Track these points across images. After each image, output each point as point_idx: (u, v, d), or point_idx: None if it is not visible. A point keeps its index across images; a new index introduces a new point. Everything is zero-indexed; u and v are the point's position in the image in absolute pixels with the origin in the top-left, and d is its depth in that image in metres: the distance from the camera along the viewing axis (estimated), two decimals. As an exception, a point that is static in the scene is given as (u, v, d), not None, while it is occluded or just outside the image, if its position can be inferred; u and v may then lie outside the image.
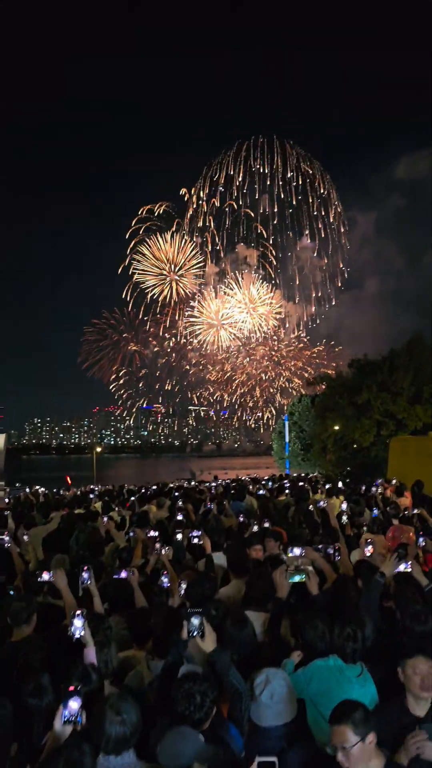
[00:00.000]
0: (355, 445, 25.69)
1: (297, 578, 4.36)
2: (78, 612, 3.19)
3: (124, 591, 4.63)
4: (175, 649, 3.19)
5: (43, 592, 4.94)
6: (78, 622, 3.15)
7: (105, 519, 8.05)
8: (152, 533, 7.24)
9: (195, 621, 3.08)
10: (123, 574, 4.87)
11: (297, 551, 5.16)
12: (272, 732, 2.91)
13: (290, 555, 5.18)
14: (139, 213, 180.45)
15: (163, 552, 6.09)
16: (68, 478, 26.00)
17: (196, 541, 6.80)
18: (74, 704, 2.46)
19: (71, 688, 2.51)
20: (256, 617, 4.23)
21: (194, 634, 3.06)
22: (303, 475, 33.68)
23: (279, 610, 4.24)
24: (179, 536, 6.93)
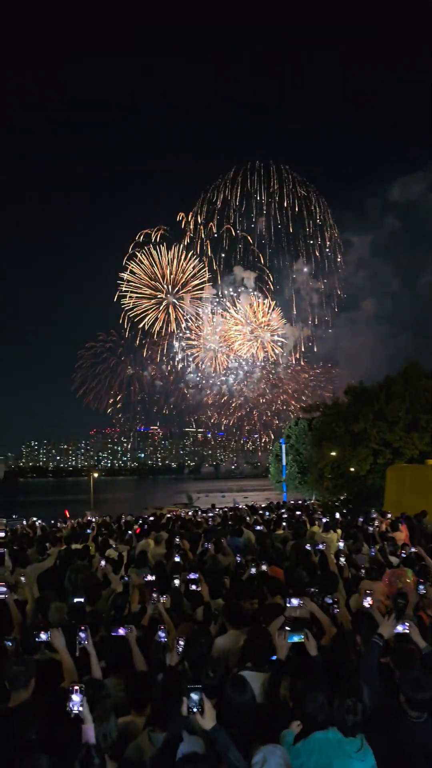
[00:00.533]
0: (352, 472, 25.65)
1: (296, 638, 4.35)
2: (76, 687, 3.17)
3: (121, 650, 4.60)
4: (174, 724, 3.17)
5: (41, 649, 4.91)
6: (76, 698, 3.14)
7: (103, 563, 7.98)
8: (149, 578, 7.23)
9: (195, 697, 3.07)
10: (121, 632, 4.85)
11: (295, 602, 5.16)
12: None
13: (288, 606, 5.19)
14: (137, 237, 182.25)
15: (161, 601, 6.08)
16: (66, 512, 25.86)
17: (194, 587, 6.77)
18: None
19: None
20: (255, 678, 4.21)
21: (194, 710, 3.06)
22: (300, 502, 33.59)
23: (279, 672, 4.22)
24: (176, 582, 6.91)
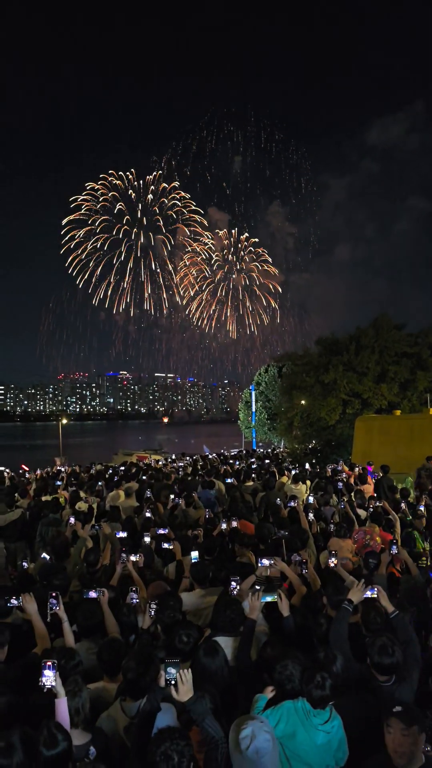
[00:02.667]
0: (320, 422, 25.98)
1: (269, 598, 4.41)
2: (49, 663, 3.13)
3: (94, 615, 4.58)
4: (152, 695, 3.17)
5: (12, 613, 4.87)
6: (49, 673, 3.10)
7: (72, 520, 7.94)
8: (121, 534, 7.24)
9: (172, 671, 3.06)
10: (92, 595, 4.84)
11: (266, 562, 5.23)
12: None
13: (260, 566, 5.25)
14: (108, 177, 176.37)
15: (132, 559, 6.08)
16: (23, 465, 25.54)
17: (165, 545, 6.80)
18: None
19: None
20: (227, 642, 4.26)
21: (171, 683, 3.05)
22: (270, 451, 34.08)
23: (249, 633, 4.27)
24: (147, 539, 6.92)
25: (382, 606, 4.42)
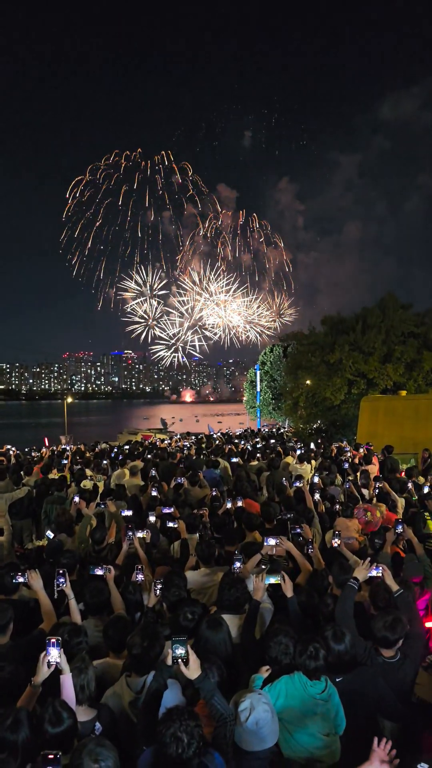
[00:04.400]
0: (326, 402, 25.91)
1: (272, 579, 4.43)
2: (53, 640, 3.14)
3: (101, 593, 4.60)
4: (159, 673, 3.18)
5: (18, 590, 4.90)
6: (54, 651, 3.11)
7: (77, 499, 7.97)
8: (126, 512, 7.26)
9: (180, 650, 3.06)
10: (98, 572, 4.86)
11: (272, 541, 5.24)
12: (256, 755, 2.97)
13: (265, 545, 5.27)
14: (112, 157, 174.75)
15: (139, 535, 6.10)
16: (46, 440, 25.70)
17: (171, 524, 6.81)
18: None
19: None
20: (232, 620, 4.28)
21: (179, 661, 3.06)
22: (275, 430, 34.09)
23: (254, 612, 4.29)
24: (152, 518, 6.94)
25: (386, 584, 4.48)
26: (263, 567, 4.82)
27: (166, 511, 7.45)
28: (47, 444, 23.19)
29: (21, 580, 4.50)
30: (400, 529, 5.85)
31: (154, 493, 8.48)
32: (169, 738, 2.58)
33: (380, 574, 4.53)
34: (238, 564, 4.90)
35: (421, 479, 10.63)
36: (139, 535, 6.14)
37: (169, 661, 3.08)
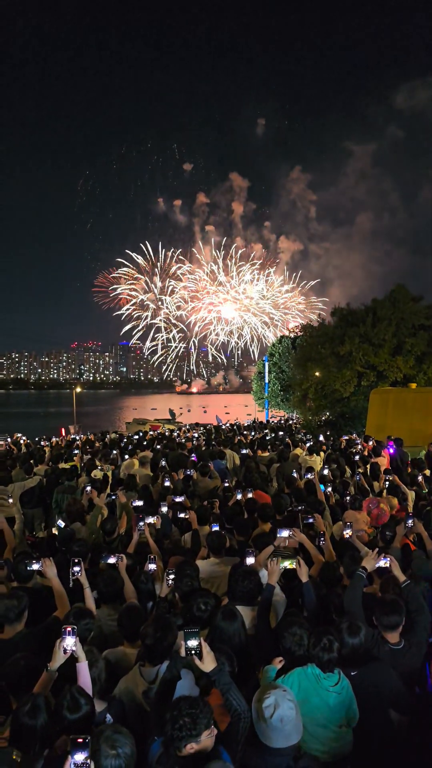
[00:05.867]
0: (335, 394, 25.86)
1: (287, 564, 4.43)
2: (69, 629, 3.17)
3: (115, 582, 4.64)
4: (173, 663, 3.19)
5: (33, 578, 4.94)
6: (69, 639, 3.14)
7: (88, 488, 8.00)
8: (137, 503, 7.28)
9: (193, 643, 3.07)
10: (111, 560, 4.90)
11: (285, 533, 5.25)
12: (280, 752, 2.97)
13: (278, 536, 5.27)
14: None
15: (149, 521, 6.13)
16: (62, 430, 25.83)
17: (182, 515, 6.83)
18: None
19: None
20: (245, 611, 4.29)
21: (192, 653, 3.07)
22: (283, 422, 34.06)
23: (267, 600, 4.31)
24: (164, 509, 6.96)
25: (394, 575, 4.51)
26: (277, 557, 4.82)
27: (178, 499, 7.45)
28: (63, 434, 23.27)
29: (35, 567, 4.54)
30: (410, 522, 5.84)
31: (167, 483, 8.50)
32: (179, 727, 2.60)
33: (388, 565, 4.56)
34: (251, 559, 4.89)
35: (427, 472, 10.61)
36: (150, 520, 6.16)
37: (183, 653, 3.10)
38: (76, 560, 4.45)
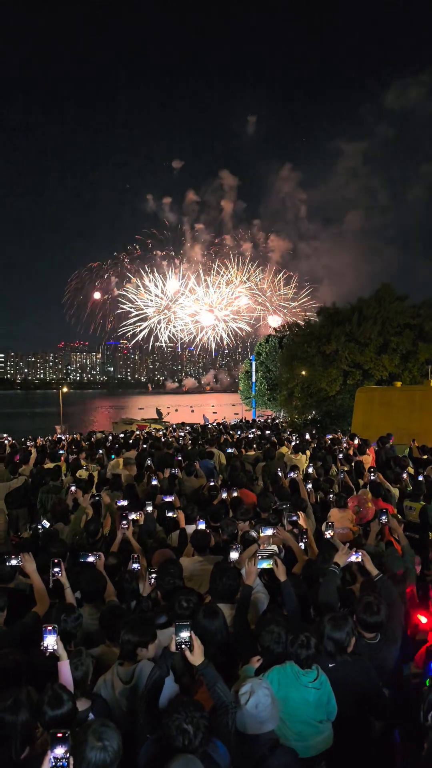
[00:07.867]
0: (321, 393, 25.99)
1: (265, 564, 4.46)
2: (49, 627, 3.16)
3: (98, 581, 4.64)
4: (162, 661, 3.20)
5: (15, 578, 4.92)
6: (50, 638, 3.14)
7: (73, 488, 7.97)
8: (122, 502, 7.25)
9: (184, 635, 3.09)
10: (90, 559, 4.90)
11: (269, 531, 5.28)
12: (256, 739, 3.00)
13: (262, 534, 5.30)
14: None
15: (132, 517, 6.12)
16: (58, 428, 25.70)
17: (170, 514, 6.82)
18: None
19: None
20: (226, 609, 4.30)
21: (182, 647, 3.08)
22: (269, 420, 34.15)
23: (246, 599, 4.32)
24: (149, 508, 6.95)
25: (367, 569, 4.56)
26: (258, 557, 4.84)
27: (168, 499, 7.44)
28: (59, 431, 23.12)
29: (14, 562, 4.52)
30: (384, 519, 5.88)
31: (154, 482, 8.49)
32: (175, 730, 2.61)
33: (360, 559, 4.60)
34: (234, 554, 4.92)
35: (411, 469, 10.69)
36: (132, 517, 6.14)
37: (173, 647, 3.10)
38: (56, 561, 4.43)
